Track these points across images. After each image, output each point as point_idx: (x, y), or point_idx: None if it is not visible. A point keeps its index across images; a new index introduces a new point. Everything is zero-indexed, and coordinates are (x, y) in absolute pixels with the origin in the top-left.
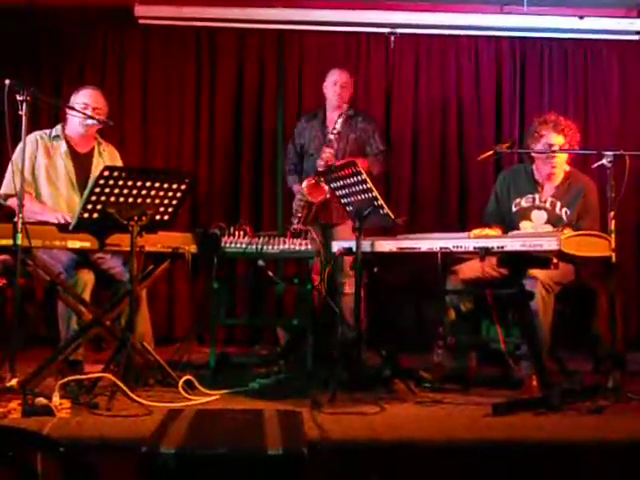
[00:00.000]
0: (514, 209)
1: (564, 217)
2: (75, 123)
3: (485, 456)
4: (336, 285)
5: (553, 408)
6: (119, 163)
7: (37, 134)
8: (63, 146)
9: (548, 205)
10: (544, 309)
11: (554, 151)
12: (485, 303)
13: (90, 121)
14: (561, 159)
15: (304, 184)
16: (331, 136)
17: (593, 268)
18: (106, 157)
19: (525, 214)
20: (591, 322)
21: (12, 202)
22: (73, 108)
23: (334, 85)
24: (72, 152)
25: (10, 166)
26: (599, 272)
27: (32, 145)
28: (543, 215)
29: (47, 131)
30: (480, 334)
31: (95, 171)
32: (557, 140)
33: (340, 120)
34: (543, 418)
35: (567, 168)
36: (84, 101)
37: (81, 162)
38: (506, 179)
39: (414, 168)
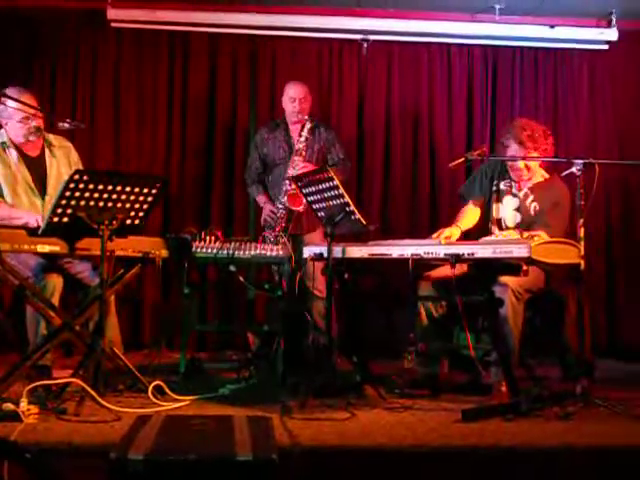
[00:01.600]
0: (493, 190)
1: (531, 211)
2: (17, 130)
3: (455, 461)
4: (307, 290)
5: (522, 414)
6: (74, 156)
7: None
8: (13, 153)
9: (521, 195)
10: (513, 316)
11: (524, 158)
12: (457, 308)
13: (32, 137)
14: (534, 166)
15: (284, 194)
16: (300, 145)
17: (562, 275)
18: (59, 154)
19: (500, 196)
20: (560, 329)
21: None
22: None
23: (293, 102)
24: (24, 158)
25: None
26: (568, 279)
27: None
28: (515, 202)
29: None
30: (452, 340)
31: (51, 173)
32: (519, 152)
33: (307, 128)
34: (512, 424)
35: (544, 173)
36: (21, 116)
37: (35, 165)
38: (491, 164)
39: (386, 174)
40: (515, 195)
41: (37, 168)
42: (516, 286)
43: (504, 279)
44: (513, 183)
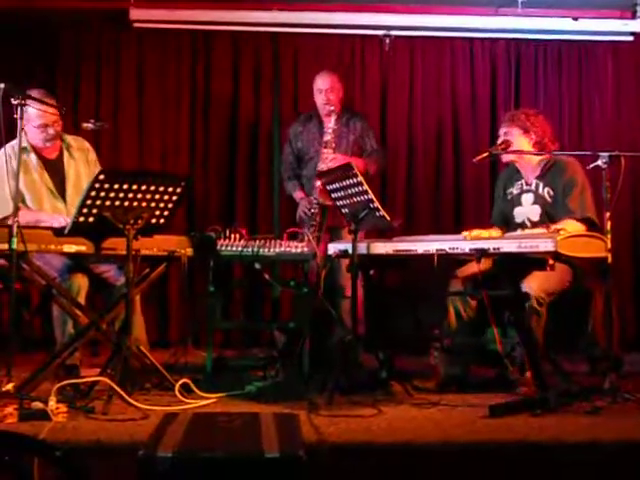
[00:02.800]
0: (508, 199)
1: (547, 197)
2: (34, 137)
3: (482, 457)
4: (336, 288)
5: (550, 409)
6: (92, 156)
7: (7, 149)
8: (33, 158)
9: (533, 187)
10: (536, 321)
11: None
12: (486, 309)
13: (49, 144)
14: (522, 148)
15: (316, 189)
16: (327, 137)
17: (589, 269)
18: (77, 155)
19: (517, 200)
20: (587, 323)
21: (9, 221)
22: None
23: (320, 93)
24: (43, 161)
25: None
26: (595, 273)
27: (9, 161)
28: (531, 197)
29: (14, 143)
30: (479, 336)
31: (69, 175)
32: (505, 132)
33: (333, 119)
34: (540, 419)
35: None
36: (38, 115)
37: (54, 168)
38: (502, 178)
39: (409, 170)
40: (528, 190)
41: (56, 170)
42: (539, 292)
43: (527, 284)
44: (522, 181)
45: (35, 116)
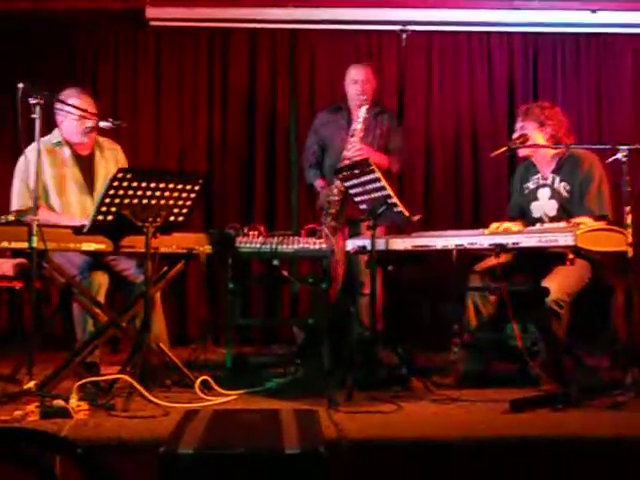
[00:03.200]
0: (525, 193)
1: (563, 191)
2: (72, 129)
3: (503, 453)
4: (355, 284)
5: (571, 404)
6: (122, 159)
7: (42, 143)
8: (67, 152)
9: (549, 181)
10: (557, 323)
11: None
12: (506, 304)
13: (86, 138)
14: (537, 142)
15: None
16: (357, 126)
17: (609, 263)
18: (109, 155)
19: (534, 195)
20: (608, 318)
21: (28, 219)
22: (85, 116)
23: (354, 83)
24: (76, 156)
25: (17, 180)
26: (615, 267)
27: (35, 157)
28: (547, 191)
29: (46, 138)
30: (498, 332)
31: (98, 173)
32: (521, 126)
33: (364, 108)
34: (561, 414)
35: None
36: (77, 117)
37: (85, 164)
38: (518, 173)
39: (427, 165)
40: (544, 185)
41: (87, 167)
42: (558, 295)
43: (547, 284)
44: (539, 175)
45: (70, 100)
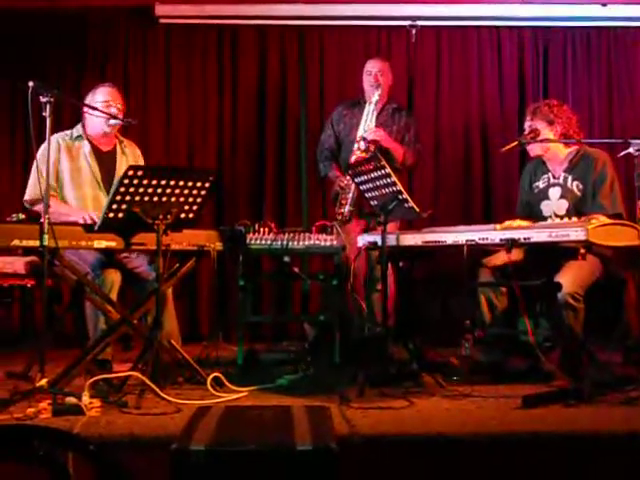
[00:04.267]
0: (534, 192)
1: (575, 190)
2: (97, 123)
3: (515, 448)
4: (370, 280)
5: (583, 400)
6: (141, 161)
7: (57, 136)
8: (87, 146)
9: (561, 180)
10: (574, 317)
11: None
12: (515, 297)
13: (114, 121)
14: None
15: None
16: (370, 107)
17: (621, 258)
18: (129, 155)
19: (544, 194)
20: (620, 313)
21: (39, 208)
22: (96, 108)
23: (369, 75)
24: (95, 151)
25: (34, 170)
26: (628, 262)
27: (54, 150)
28: (558, 191)
29: (68, 132)
30: (511, 327)
31: (120, 169)
32: (530, 125)
33: (377, 93)
34: (574, 410)
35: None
36: (105, 99)
37: (105, 161)
38: (527, 171)
39: (437, 161)
40: (555, 184)
41: (107, 163)
42: (573, 288)
43: (560, 280)
44: (549, 174)
45: (101, 93)
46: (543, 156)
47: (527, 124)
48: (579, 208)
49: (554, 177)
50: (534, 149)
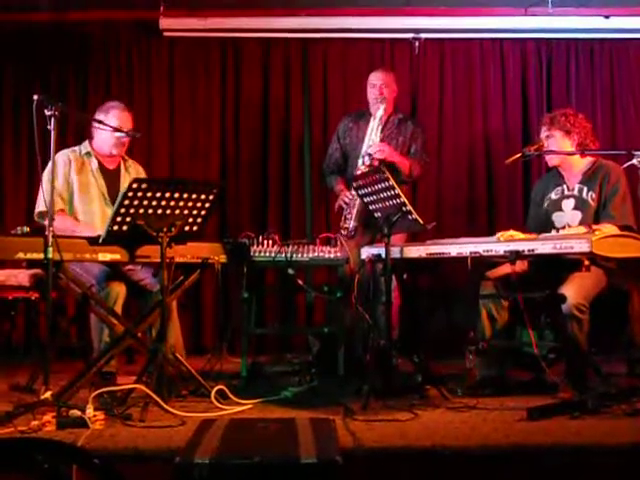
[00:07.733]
0: (546, 205)
1: (590, 201)
2: (105, 141)
3: (520, 461)
4: (375, 292)
5: (588, 411)
6: (142, 171)
7: (68, 152)
8: (94, 163)
9: (576, 192)
10: (579, 329)
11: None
12: (519, 310)
13: (119, 134)
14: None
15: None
16: (374, 123)
17: (625, 269)
18: (133, 173)
19: (556, 205)
20: (624, 324)
21: (45, 223)
22: (102, 122)
23: (372, 87)
24: (102, 168)
25: (43, 184)
26: (632, 273)
27: (65, 164)
28: (572, 202)
29: (75, 148)
30: (513, 339)
31: (125, 183)
32: (547, 135)
33: (382, 107)
34: (579, 422)
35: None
36: (117, 124)
37: (111, 178)
38: (540, 184)
39: (441, 172)
40: (569, 196)
41: (113, 180)
42: (577, 300)
43: (565, 292)
44: (564, 186)
45: (114, 117)
46: (560, 166)
47: (544, 134)
48: (593, 219)
49: (569, 189)
50: (552, 159)
